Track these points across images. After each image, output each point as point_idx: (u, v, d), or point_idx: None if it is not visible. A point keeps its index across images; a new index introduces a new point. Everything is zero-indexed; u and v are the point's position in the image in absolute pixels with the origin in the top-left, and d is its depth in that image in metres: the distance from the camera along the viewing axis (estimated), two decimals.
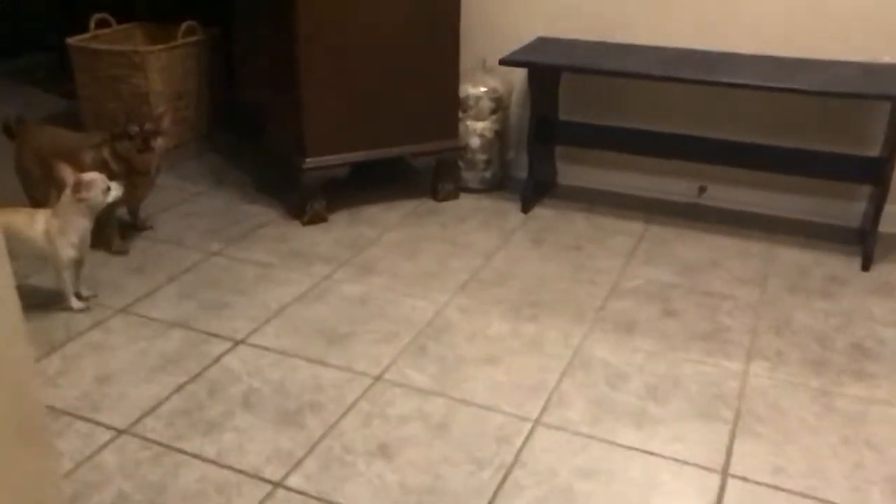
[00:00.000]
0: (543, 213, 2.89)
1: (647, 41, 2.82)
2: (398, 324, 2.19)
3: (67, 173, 2.20)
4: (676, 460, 1.70)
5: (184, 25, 3.44)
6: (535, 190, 2.94)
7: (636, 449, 1.73)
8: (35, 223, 2.20)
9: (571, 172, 3.13)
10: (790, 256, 2.58)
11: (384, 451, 1.71)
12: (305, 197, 2.76)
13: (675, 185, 2.99)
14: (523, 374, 1.98)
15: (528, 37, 2.93)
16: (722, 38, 2.73)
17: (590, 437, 1.77)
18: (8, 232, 2.19)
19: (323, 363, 2.01)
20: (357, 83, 2.69)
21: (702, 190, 2.97)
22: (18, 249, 2.27)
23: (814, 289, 2.38)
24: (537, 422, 1.81)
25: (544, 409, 1.86)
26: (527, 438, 1.76)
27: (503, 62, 2.72)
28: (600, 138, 2.95)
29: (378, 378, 1.96)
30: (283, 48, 2.67)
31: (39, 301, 2.27)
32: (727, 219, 2.84)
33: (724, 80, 2.47)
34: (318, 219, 2.79)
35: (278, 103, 2.88)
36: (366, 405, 1.86)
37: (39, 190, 2.58)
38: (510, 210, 2.90)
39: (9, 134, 2.60)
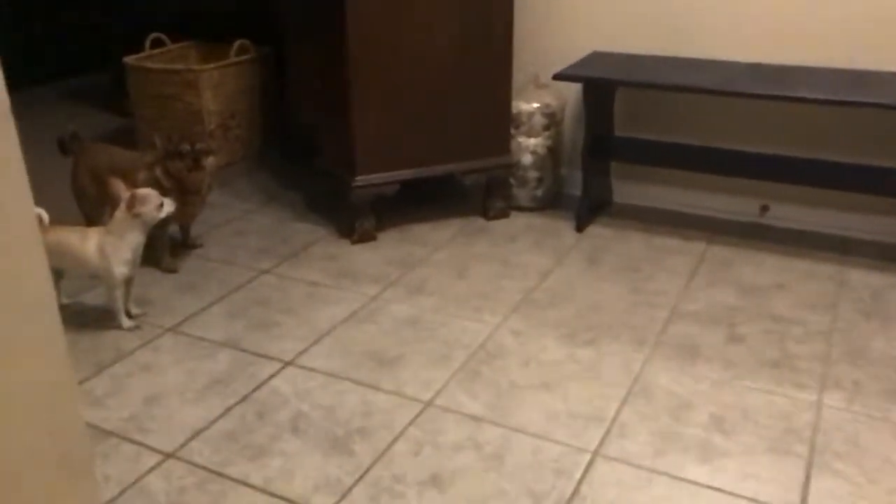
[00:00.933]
0: (599, 232, 2.80)
1: (706, 55, 2.72)
2: (449, 346, 2.12)
3: (122, 189, 2.20)
4: (747, 498, 1.59)
5: (237, 44, 3.46)
6: (590, 208, 2.86)
7: (703, 485, 1.63)
8: (88, 241, 2.20)
9: (627, 190, 3.03)
10: (863, 279, 2.44)
11: (436, 481, 1.64)
12: (354, 215, 2.72)
13: (736, 203, 2.87)
14: (581, 402, 1.89)
15: (582, 51, 2.86)
16: (785, 51, 2.61)
17: (653, 470, 1.67)
18: (61, 250, 2.20)
19: (372, 387, 1.96)
20: (407, 100, 2.65)
21: (764, 209, 2.84)
22: (71, 267, 2.28)
23: (891, 314, 2.24)
24: (596, 453, 1.72)
25: (604, 439, 1.77)
26: (586, 471, 1.67)
27: (557, 77, 2.65)
28: (658, 155, 2.85)
29: (429, 403, 1.89)
30: (333, 66, 2.64)
31: (90, 319, 2.26)
32: (792, 239, 2.71)
33: (796, 94, 2.35)
34: (367, 237, 2.75)
35: (328, 121, 2.86)
36: (416, 432, 1.79)
37: (94, 208, 2.60)
38: (564, 229, 2.82)
39: (63, 150, 2.63)
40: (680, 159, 2.81)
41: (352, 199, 2.70)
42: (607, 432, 1.79)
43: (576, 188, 2.92)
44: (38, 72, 4.47)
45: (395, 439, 1.77)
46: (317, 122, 3.05)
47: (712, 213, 2.90)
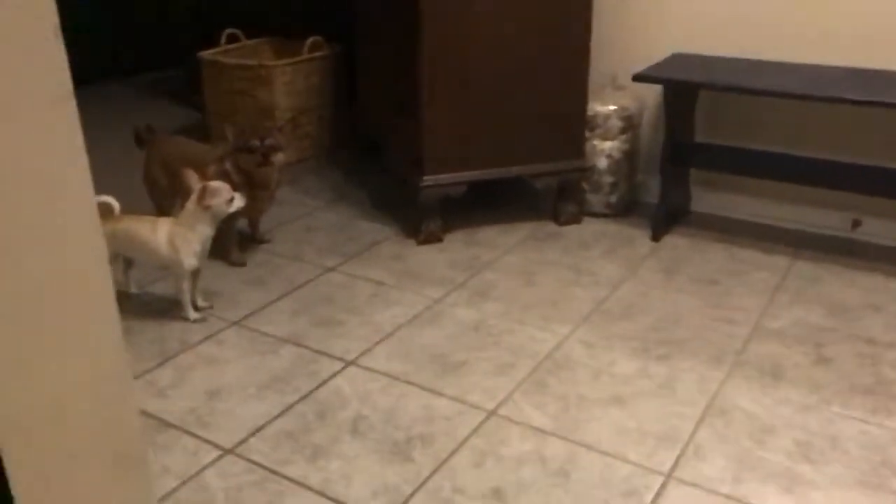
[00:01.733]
0: (675, 241, 2.68)
1: (794, 58, 2.57)
2: (515, 354, 2.04)
3: (194, 180, 2.20)
4: None
5: (309, 41, 3.46)
6: (667, 216, 2.74)
7: None
8: (158, 231, 2.20)
9: (707, 199, 2.89)
10: None
11: (498, 496, 1.57)
12: (421, 215, 2.67)
13: (825, 216, 2.71)
14: (654, 419, 1.79)
15: (663, 52, 2.74)
16: (882, 55, 2.44)
17: (730, 497, 1.56)
18: (131, 239, 2.22)
19: (434, 392, 1.89)
20: (479, 99, 2.59)
21: (856, 223, 2.67)
22: (141, 257, 2.30)
23: None
24: (670, 476, 1.62)
25: (678, 461, 1.66)
26: (658, 494, 1.57)
27: (637, 78, 2.54)
28: (741, 162, 2.71)
29: (493, 413, 1.82)
30: (405, 64, 2.60)
31: (157, 310, 2.27)
32: (887, 257, 2.54)
33: (894, 101, 2.20)
34: (433, 238, 2.70)
35: (398, 119, 2.82)
36: (479, 442, 1.72)
37: (165, 199, 2.62)
38: (638, 237, 2.71)
39: (139, 142, 2.66)
40: (764, 168, 2.66)
41: (419, 199, 2.65)
42: (682, 454, 1.68)
43: (652, 195, 2.80)
44: (117, 67, 4.58)
45: (457, 448, 1.70)
46: (386, 121, 3.02)
47: (798, 226, 2.74)
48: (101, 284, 0.88)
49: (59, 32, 0.78)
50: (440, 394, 1.89)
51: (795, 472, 1.62)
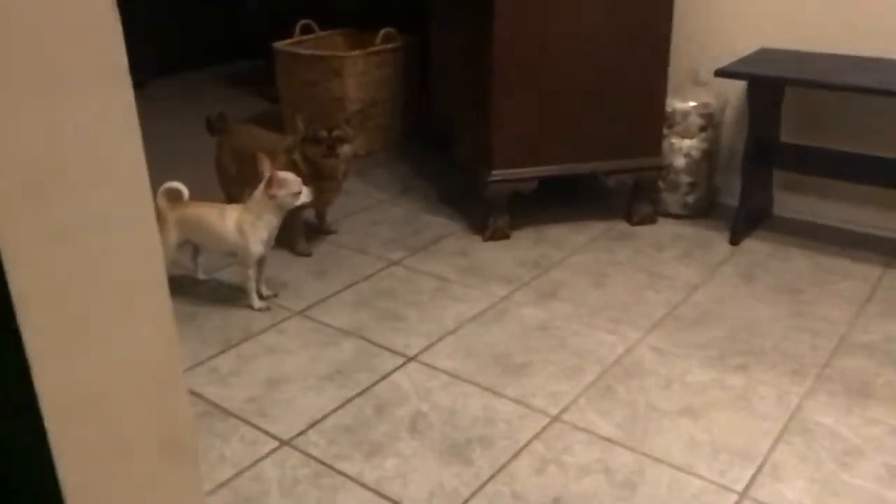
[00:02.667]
0: (756, 246, 2.54)
1: (890, 53, 2.40)
2: (582, 358, 1.96)
3: (266, 166, 2.19)
4: None
5: (382, 32, 3.44)
6: (747, 219, 2.60)
7: None
8: (226, 218, 2.21)
9: (791, 202, 2.74)
10: None
11: None
12: (489, 211, 2.61)
13: None
14: (728, 434, 1.69)
15: (748, 46, 2.60)
16: None
17: None
18: (200, 225, 2.23)
19: (496, 393, 1.83)
20: (552, 92, 2.51)
21: None
22: (208, 243, 2.31)
23: None
24: (744, 495, 1.52)
25: (753, 479, 1.56)
26: None
27: (720, 73, 2.41)
28: (829, 165, 2.55)
29: (556, 418, 1.75)
30: (477, 55, 2.54)
31: (223, 297, 2.28)
32: None
33: None
34: (500, 235, 2.63)
35: (468, 112, 2.76)
36: (541, 448, 1.65)
37: (234, 186, 2.63)
38: (716, 240, 2.58)
39: (211, 130, 2.68)
40: (855, 171, 2.50)
41: (487, 194, 2.59)
42: (758, 472, 1.58)
43: (732, 197, 2.67)
44: (196, 58, 4.67)
45: (518, 453, 1.64)
46: (457, 114, 2.97)
47: (891, 233, 2.57)
48: (153, 268, 0.85)
49: (115, 7, 0.75)
50: (502, 395, 1.83)
51: (887, 499, 1.50)
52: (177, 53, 4.56)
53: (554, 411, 1.77)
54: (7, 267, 0.72)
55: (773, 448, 1.64)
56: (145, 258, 0.86)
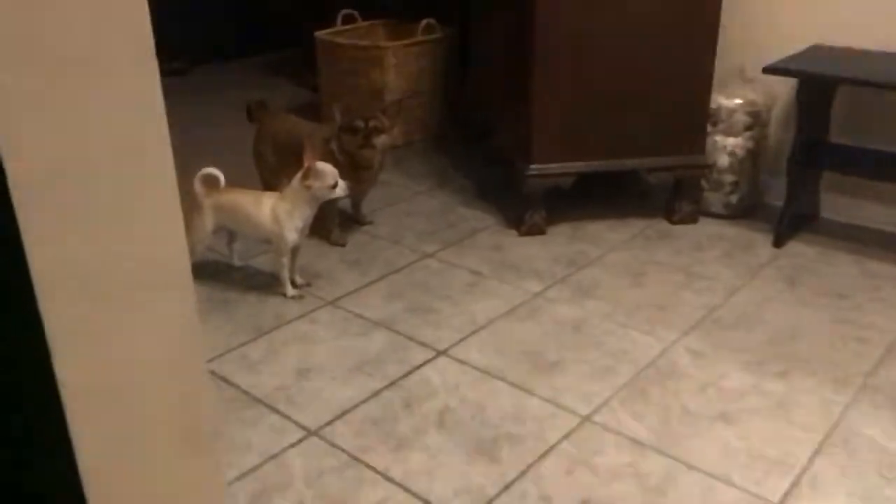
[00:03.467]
0: (800, 249, 2.46)
1: None
2: (615, 358, 1.92)
3: (308, 157, 2.18)
4: None
5: (423, 23, 3.42)
6: (792, 221, 2.52)
7: None
8: (262, 205, 2.21)
9: (839, 205, 2.65)
10: None
11: None
12: (525, 206, 2.58)
13: None
14: (765, 442, 1.63)
15: (800, 43, 2.52)
16: None
17: None
18: (235, 211, 2.24)
19: (526, 391, 1.81)
20: (593, 85, 2.46)
21: None
22: (244, 229, 2.32)
23: None
24: None
25: (790, 491, 1.50)
26: None
27: (769, 70, 2.34)
28: (881, 167, 2.46)
29: (587, 418, 1.71)
30: (517, 47, 2.50)
31: (257, 284, 2.29)
32: None
33: None
34: (536, 230, 2.59)
35: (507, 104, 2.73)
36: (570, 448, 1.62)
37: (271, 174, 2.64)
38: (759, 242, 2.51)
39: (251, 117, 2.69)
40: None
41: (524, 188, 2.55)
42: (795, 483, 1.52)
43: (777, 197, 2.59)
44: (239, 45, 4.70)
45: (546, 453, 1.61)
46: (495, 106, 2.94)
47: None
48: (177, 256, 0.84)
49: None
50: (532, 393, 1.80)
51: None
52: (221, 41, 4.59)
53: (585, 411, 1.73)
54: (28, 253, 0.72)
55: (812, 459, 1.59)
56: (169, 245, 0.85)
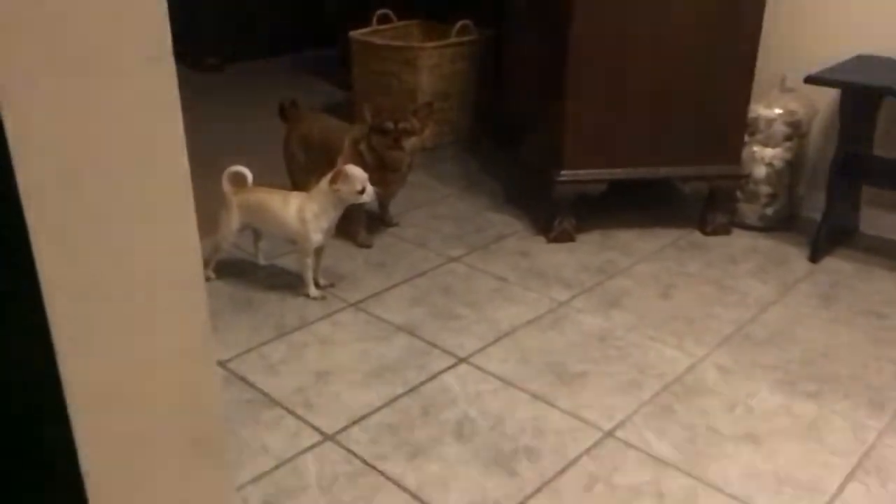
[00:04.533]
0: (837, 265, 2.39)
1: None
2: (641, 372, 1.88)
3: (341, 159, 2.17)
4: None
5: (458, 24, 3.39)
6: (830, 236, 2.44)
7: None
8: (289, 205, 2.20)
9: (880, 220, 2.56)
10: None
11: None
12: (555, 212, 2.54)
13: None
14: (794, 465, 1.58)
15: (844, 53, 2.44)
16: None
17: None
18: (262, 210, 2.24)
19: (548, 402, 1.77)
20: (628, 91, 2.41)
21: None
22: (270, 228, 2.31)
23: None
24: None
25: None
26: None
27: (811, 80, 2.27)
28: None
29: (609, 434, 1.67)
30: (553, 53, 2.46)
31: (281, 283, 2.28)
32: None
33: None
34: (564, 237, 2.55)
35: (540, 108, 2.69)
36: (590, 464, 1.58)
37: (301, 173, 2.64)
38: (794, 256, 2.44)
39: (283, 117, 2.69)
40: None
41: (554, 194, 2.51)
42: None
43: (815, 211, 2.51)
44: (274, 43, 4.72)
45: (566, 468, 1.57)
46: (528, 110, 2.90)
47: None
48: (189, 259, 0.83)
49: None
50: (553, 405, 1.76)
51: None
52: (256, 39, 4.62)
53: (607, 426, 1.69)
54: (37, 254, 0.71)
55: (843, 485, 1.53)
56: (181, 249, 0.83)
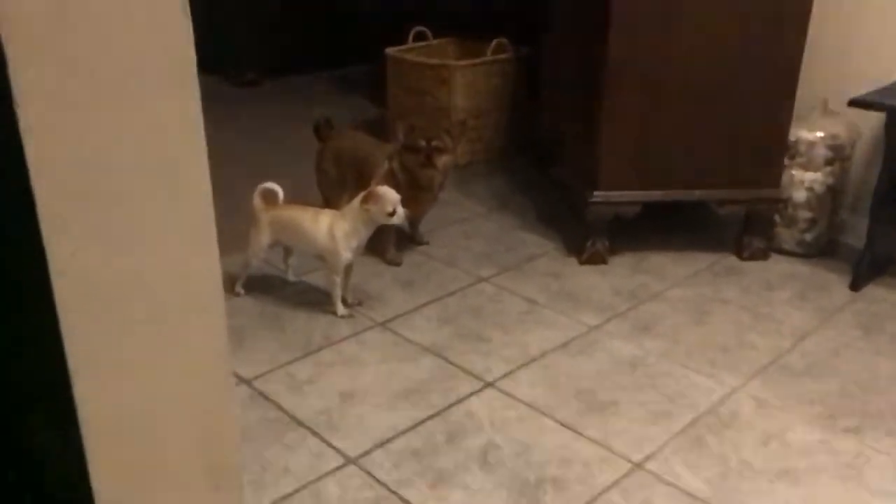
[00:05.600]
0: (880, 293, 2.31)
1: None
2: (673, 402, 1.82)
3: (374, 181, 2.17)
4: None
5: (494, 42, 3.38)
6: (872, 263, 2.37)
7: None
8: (320, 222, 2.20)
9: None
10: None
11: None
12: (587, 233, 2.50)
13: None
14: None
15: (889, 76, 2.37)
16: None
17: None
18: (293, 226, 2.24)
19: (576, 431, 1.73)
20: (664, 112, 2.37)
21: None
22: (300, 245, 2.31)
23: None
24: None
25: None
26: None
27: (855, 103, 2.21)
28: None
29: (638, 466, 1.62)
30: (589, 72, 2.43)
31: (309, 300, 2.27)
32: None
33: None
34: (597, 259, 2.51)
35: (574, 128, 2.66)
36: (618, 497, 1.54)
37: (333, 190, 2.64)
38: (834, 284, 2.36)
39: (318, 135, 2.69)
40: None
41: (586, 215, 2.47)
42: None
43: (856, 237, 2.44)
44: (312, 59, 4.76)
45: (593, 500, 1.53)
46: (563, 130, 2.87)
47: None
48: (209, 283, 0.81)
49: (186, 8, 0.72)
50: (581, 434, 1.72)
51: None
52: (294, 55, 4.66)
53: (637, 458, 1.64)
54: (53, 276, 0.70)
55: None
56: (201, 272, 0.82)
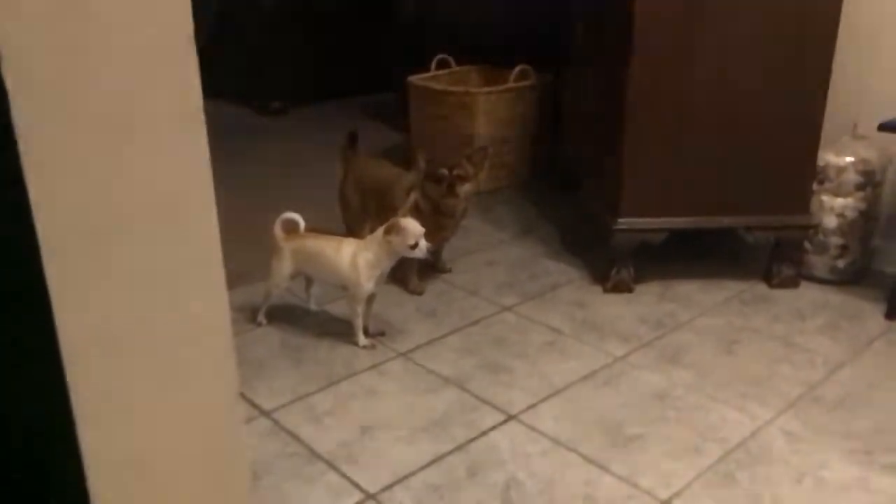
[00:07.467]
0: None
1: None
2: (701, 436, 1.77)
3: (399, 212, 2.17)
4: None
5: (517, 69, 3.38)
6: None
7: None
8: (342, 251, 2.19)
9: None
10: None
11: None
12: (612, 261, 2.46)
13: None
14: None
15: None
16: None
17: None
18: (315, 256, 2.23)
19: (601, 467, 1.68)
20: (690, 138, 2.34)
21: None
22: (321, 274, 2.30)
23: None
24: None
25: None
26: None
27: (885, 127, 2.16)
28: None
29: (666, 503, 1.57)
30: (612, 97, 2.41)
31: (330, 331, 2.26)
32: None
33: None
34: (622, 287, 2.47)
35: (598, 154, 2.63)
36: None
37: (355, 218, 2.64)
38: (868, 312, 2.30)
39: (344, 156, 2.70)
40: None
41: (611, 242, 2.44)
42: None
43: (891, 264, 2.38)
44: (337, 87, 4.81)
45: None
46: (586, 156, 2.85)
47: None
48: (217, 324, 0.80)
49: (192, 42, 0.71)
50: (607, 469, 1.67)
51: None
52: (320, 83, 4.71)
53: (664, 495, 1.59)
54: (57, 315, 0.69)
55: None
56: (209, 312, 0.80)
